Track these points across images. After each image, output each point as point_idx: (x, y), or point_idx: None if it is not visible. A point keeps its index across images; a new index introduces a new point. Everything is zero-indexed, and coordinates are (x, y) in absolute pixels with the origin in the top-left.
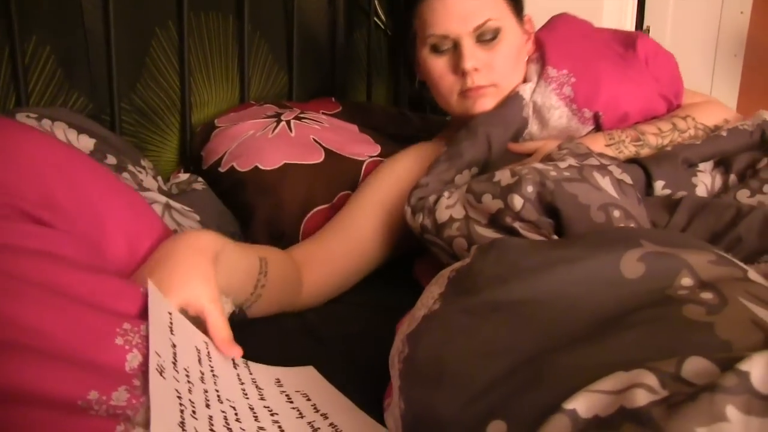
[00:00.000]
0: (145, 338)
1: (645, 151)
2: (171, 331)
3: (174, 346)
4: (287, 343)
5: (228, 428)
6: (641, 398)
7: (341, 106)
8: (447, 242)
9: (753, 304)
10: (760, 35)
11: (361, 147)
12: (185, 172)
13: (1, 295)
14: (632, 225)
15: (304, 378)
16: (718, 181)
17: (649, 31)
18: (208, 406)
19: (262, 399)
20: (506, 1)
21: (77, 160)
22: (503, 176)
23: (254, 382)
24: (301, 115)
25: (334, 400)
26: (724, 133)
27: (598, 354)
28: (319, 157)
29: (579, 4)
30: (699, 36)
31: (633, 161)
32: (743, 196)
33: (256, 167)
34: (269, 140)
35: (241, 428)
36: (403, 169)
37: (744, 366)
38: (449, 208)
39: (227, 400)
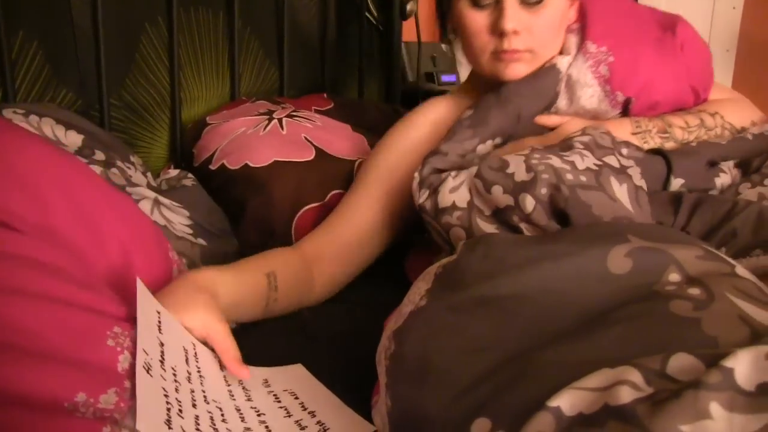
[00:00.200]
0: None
1: (669, 145)
2: (159, 329)
3: (162, 344)
4: (277, 341)
5: (214, 428)
6: (626, 395)
7: (333, 102)
8: (444, 228)
9: (740, 300)
10: (753, 30)
11: (353, 147)
12: (176, 168)
13: None
14: None
15: (293, 376)
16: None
17: None
18: (194, 405)
19: (249, 400)
20: None
21: (73, 168)
22: (518, 169)
23: (241, 383)
24: (294, 113)
25: (322, 398)
26: (749, 136)
27: (584, 350)
28: (309, 155)
29: None
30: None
31: (658, 152)
32: (744, 188)
33: (246, 164)
34: (260, 138)
35: (227, 429)
36: (415, 139)
37: (728, 363)
38: (453, 191)
39: (213, 401)
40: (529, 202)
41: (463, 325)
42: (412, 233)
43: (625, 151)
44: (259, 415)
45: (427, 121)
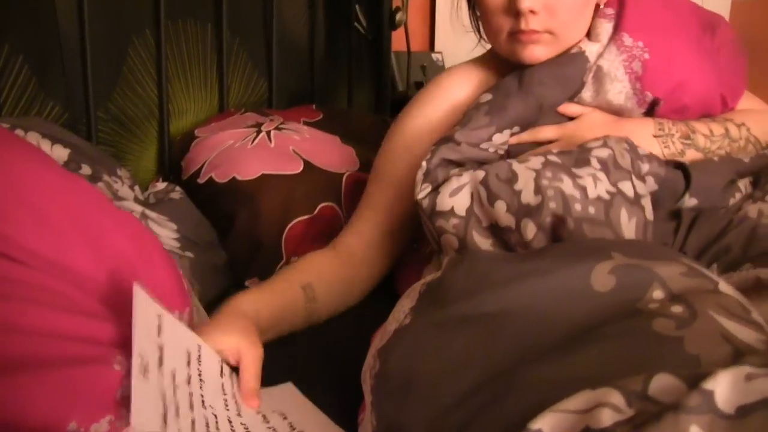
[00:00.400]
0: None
1: (690, 152)
2: (159, 333)
3: (161, 347)
4: (266, 356)
5: None
6: (606, 418)
7: (322, 113)
8: (437, 232)
9: (722, 317)
10: (739, 33)
11: (341, 160)
12: (164, 181)
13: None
14: None
15: (282, 396)
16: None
17: None
18: (191, 408)
19: (239, 415)
20: None
21: (82, 193)
22: (526, 188)
23: (235, 396)
24: (282, 126)
25: (311, 418)
26: None
27: (566, 369)
28: (297, 168)
29: None
30: None
31: (679, 166)
32: (747, 203)
33: (234, 178)
34: (248, 151)
35: None
36: (434, 119)
37: (708, 385)
38: (454, 194)
39: (210, 406)
40: (530, 230)
41: (446, 343)
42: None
43: (645, 167)
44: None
45: (445, 99)
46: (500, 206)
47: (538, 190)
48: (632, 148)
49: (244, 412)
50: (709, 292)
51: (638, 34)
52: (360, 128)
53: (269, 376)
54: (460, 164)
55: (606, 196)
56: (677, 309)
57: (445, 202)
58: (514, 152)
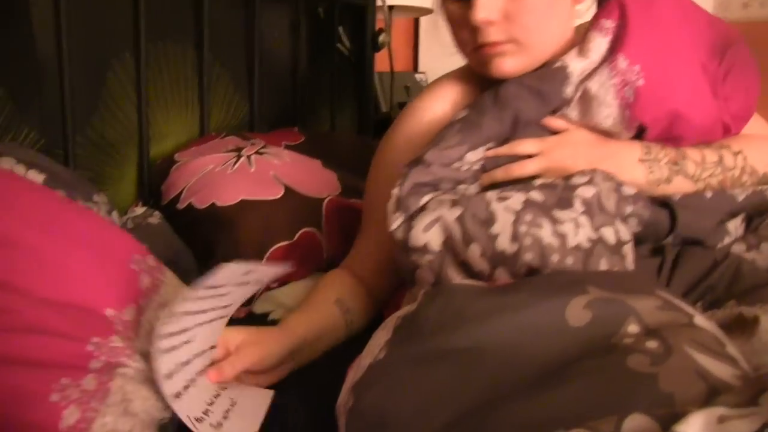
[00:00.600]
0: (85, 393)
1: (678, 179)
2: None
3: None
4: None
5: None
6: None
7: (304, 136)
8: (411, 266)
9: (697, 352)
10: None
11: (323, 184)
12: (144, 205)
13: None
14: None
15: (252, 394)
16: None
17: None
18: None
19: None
20: None
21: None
22: (503, 233)
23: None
24: (262, 150)
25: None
26: None
27: (540, 409)
28: (278, 193)
29: None
30: None
31: (665, 205)
32: (739, 249)
33: (214, 204)
34: (228, 176)
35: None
36: (423, 134)
37: (681, 427)
38: (428, 229)
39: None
40: (504, 279)
41: (420, 379)
42: None
43: (629, 209)
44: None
45: (424, 119)
46: (475, 250)
47: (516, 237)
48: (618, 187)
49: (203, 382)
50: (684, 326)
51: (636, 57)
52: (342, 151)
53: None
54: (435, 186)
55: (586, 245)
56: (652, 344)
57: (418, 237)
58: (490, 166)
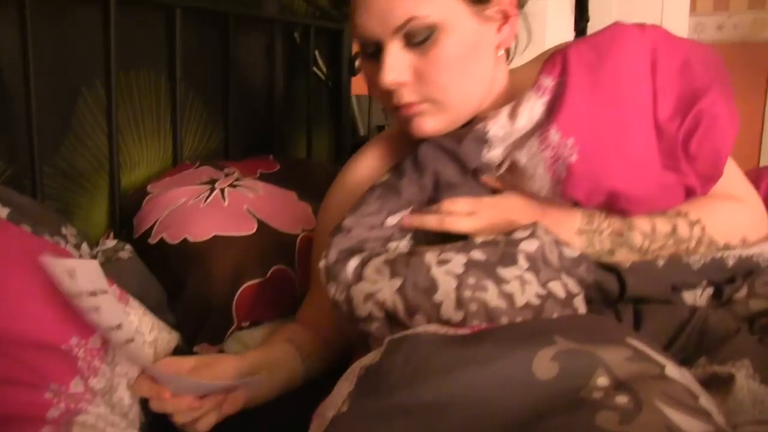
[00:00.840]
0: None
1: (622, 252)
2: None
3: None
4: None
5: None
6: None
7: (280, 164)
8: (363, 333)
9: (668, 407)
10: None
11: (297, 218)
12: (116, 236)
13: None
14: None
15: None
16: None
17: (588, 22)
18: None
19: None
20: None
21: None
22: (447, 300)
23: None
24: (236, 183)
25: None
26: (730, 260)
27: None
28: (251, 229)
29: None
30: None
31: (612, 269)
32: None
33: (186, 239)
34: (201, 210)
35: None
36: (354, 196)
37: None
38: (368, 300)
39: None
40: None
41: None
42: None
43: (584, 267)
44: None
45: (351, 182)
46: (419, 320)
47: (460, 304)
48: (559, 245)
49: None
50: (655, 378)
51: (569, 129)
52: (319, 180)
53: None
54: (360, 249)
55: (535, 301)
56: (622, 399)
57: (360, 309)
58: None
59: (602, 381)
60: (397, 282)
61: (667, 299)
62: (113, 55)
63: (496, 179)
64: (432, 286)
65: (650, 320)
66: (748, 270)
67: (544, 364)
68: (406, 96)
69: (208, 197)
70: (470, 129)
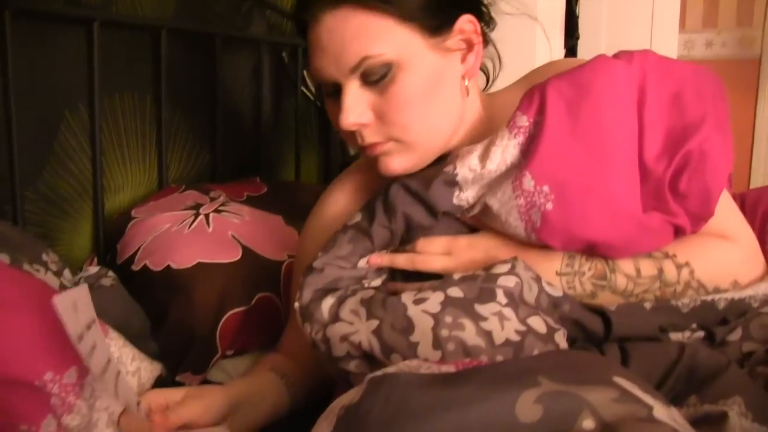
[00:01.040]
0: None
1: (604, 295)
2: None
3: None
4: None
5: None
6: None
7: (267, 186)
8: (342, 372)
9: None
10: None
11: (283, 244)
12: (99, 262)
13: None
14: None
15: None
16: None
17: (578, 39)
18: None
19: None
20: (406, 18)
21: None
22: (423, 340)
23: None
24: (221, 208)
25: None
26: (721, 303)
27: None
28: (235, 255)
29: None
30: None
31: (597, 311)
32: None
33: (169, 266)
34: (184, 236)
35: None
36: (331, 229)
37: None
38: (344, 340)
39: None
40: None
41: None
42: None
43: (567, 307)
44: None
45: (324, 218)
46: (396, 360)
47: (437, 344)
48: (539, 280)
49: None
50: (642, 421)
51: (544, 177)
52: (306, 202)
53: None
54: (335, 288)
55: (515, 338)
56: None
57: (337, 348)
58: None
59: (588, 424)
60: (374, 323)
61: (654, 337)
62: (97, 77)
63: (471, 218)
64: (409, 327)
65: (637, 359)
66: (740, 312)
67: (528, 407)
68: (369, 137)
69: (192, 223)
70: (439, 170)
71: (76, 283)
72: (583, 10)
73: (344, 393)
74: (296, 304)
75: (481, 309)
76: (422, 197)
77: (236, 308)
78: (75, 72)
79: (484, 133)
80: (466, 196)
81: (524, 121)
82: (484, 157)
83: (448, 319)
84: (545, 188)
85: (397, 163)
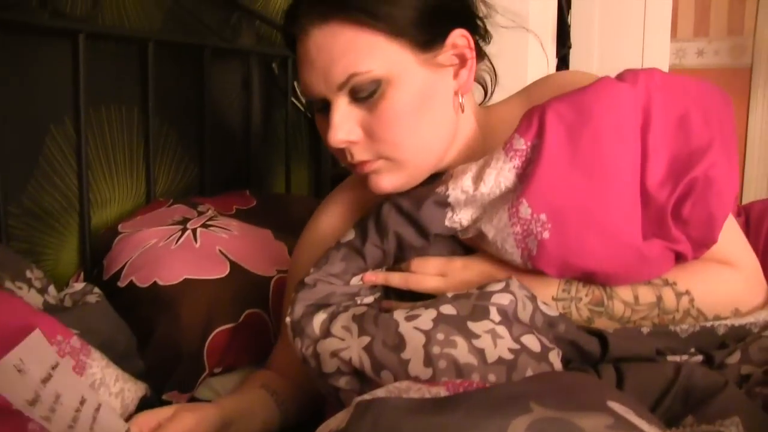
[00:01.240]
0: None
1: (601, 321)
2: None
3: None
4: None
5: None
6: None
7: (256, 200)
8: (332, 390)
9: None
10: None
11: (272, 259)
12: (86, 278)
13: None
14: None
15: None
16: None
17: (570, 48)
18: None
19: None
20: (396, 34)
21: None
22: (414, 357)
23: None
24: (209, 222)
25: None
26: (721, 329)
27: None
28: (223, 271)
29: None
30: (625, 58)
31: (596, 333)
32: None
33: (155, 282)
34: (171, 252)
35: None
36: (324, 243)
37: None
38: (335, 356)
39: None
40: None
41: None
42: None
43: (562, 327)
44: None
45: (317, 235)
46: (387, 377)
47: (429, 361)
48: (533, 299)
49: None
50: None
51: (541, 205)
52: (296, 216)
53: None
54: (326, 303)
55: (508, 356)
56: None
57: (327, 364)
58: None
59: None
60: (365, 340)
61: (651, 358)
62: (82, 90)
63: (466, 239)
64: (400, 343)
65: (632, 380)
66: (740, 337)
67: None
68: (358, 154)
69: (179, 239)
70: (431, 190)
71: (61, 300)
72: (574, 20)
73: (335, 410)
74: (287, 319)
75: (474, 326)
76: (414, 218)
77: (224, 325)
78: (60, 85)
79: (479, 150)
80: (459, 218)
81: (521, 144)
82: (477, 179)
83: (440, 336)
84: (542, 216)
85: (388, 181)
